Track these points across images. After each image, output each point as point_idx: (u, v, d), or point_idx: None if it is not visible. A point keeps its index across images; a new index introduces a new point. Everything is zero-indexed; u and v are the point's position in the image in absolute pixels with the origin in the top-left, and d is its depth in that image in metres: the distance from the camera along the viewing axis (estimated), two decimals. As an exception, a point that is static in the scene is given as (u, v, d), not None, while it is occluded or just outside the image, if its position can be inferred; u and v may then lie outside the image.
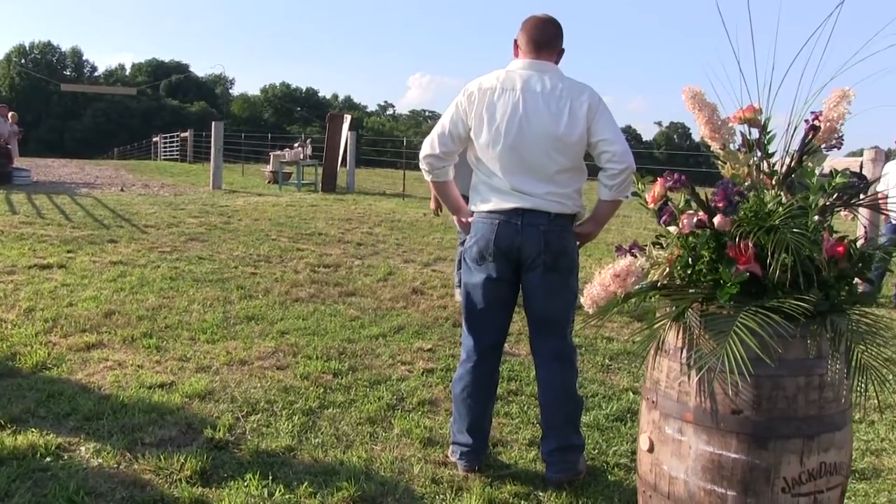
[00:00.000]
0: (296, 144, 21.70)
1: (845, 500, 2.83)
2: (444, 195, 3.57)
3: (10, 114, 19.32)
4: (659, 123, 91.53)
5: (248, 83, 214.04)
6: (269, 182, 20.49)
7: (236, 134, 31.37)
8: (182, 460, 3.33)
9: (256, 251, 8.85)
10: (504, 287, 3.36)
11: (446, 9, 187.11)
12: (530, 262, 3.26)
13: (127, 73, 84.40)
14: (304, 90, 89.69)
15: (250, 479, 3.22)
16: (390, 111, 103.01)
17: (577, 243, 3.41)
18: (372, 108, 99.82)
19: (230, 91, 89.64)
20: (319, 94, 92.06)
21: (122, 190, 16.37)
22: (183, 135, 34.79)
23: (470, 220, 3.45)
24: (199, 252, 8.58)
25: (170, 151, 37.05)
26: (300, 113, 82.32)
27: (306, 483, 3.23)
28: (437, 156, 3.38)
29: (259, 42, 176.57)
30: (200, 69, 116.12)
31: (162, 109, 70.13)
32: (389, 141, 41.10)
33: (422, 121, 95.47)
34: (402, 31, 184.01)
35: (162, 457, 3.37)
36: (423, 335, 5.73)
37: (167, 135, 39.05)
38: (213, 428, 3.72)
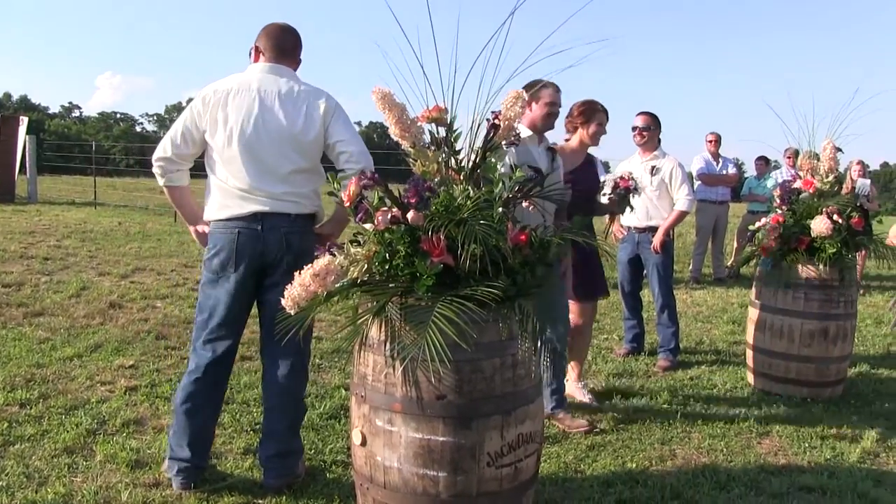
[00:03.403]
0: (-39, 151, 19.25)
1: (540, 464, 3.11)
2: (178, 202, 3.44)
3: None
4: (359, 123, 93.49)
5: None
6: (-72, 194, 18.00)
7: None
8: None
9: (-83, 274, 7.74)
10: (246, 297, 3.30)
11: (139, 4, 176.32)
12: (274, 265, 3.23)
13: None
14: (-33, 88, 79.83)
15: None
16: (77, 113, 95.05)
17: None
18: (55, 109, 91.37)
19: None
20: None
21: None
22: None
23: (206, 229, 3.34)
24: None
25: None
26: (-35, 115, 73.12)
27: (-10, 533, 2.88)
28: (169, 159, 3.29)
29: None
30: None
31: None
32: (77, 145, 37.87)
33: (113, 123, 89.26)
34: (89, 25, 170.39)
35: None
36: (123, 351, 5.37)
37: None
38: None
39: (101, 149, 20.88)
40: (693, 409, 4.61)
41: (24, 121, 18.09)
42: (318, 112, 3.25)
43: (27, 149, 17.52)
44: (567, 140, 4.74)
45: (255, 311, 3.41)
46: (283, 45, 3.36)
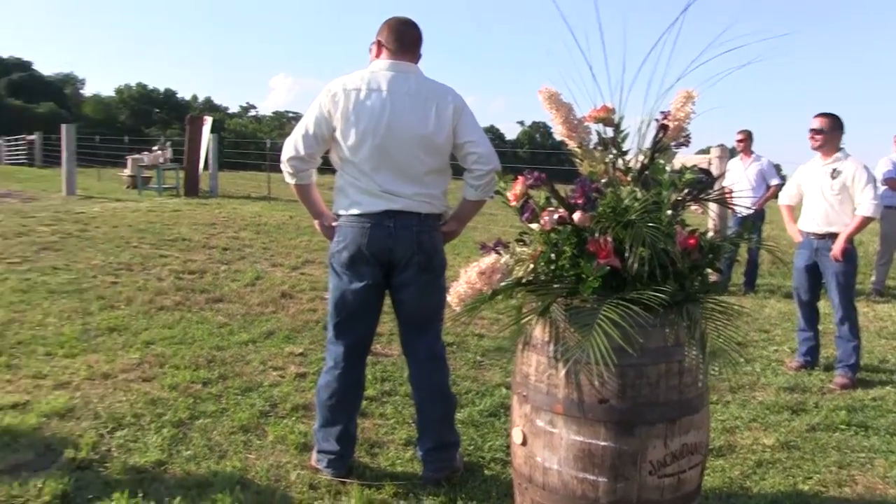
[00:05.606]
0: (155, 147, 20.88)
1: (704, 477, 3.00)
2: (306, 199, 3.48)
3: None
4: (521, 123, 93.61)
5: (100, 83, 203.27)
6: (127, 187, 19.61)
7: (90, 136, 29.72)
8: (40, 485, 3.16)
9: (117, 259, 8.44)
10: (374, 291, 3.34)
11: (310, 9, 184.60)
12: (404, 263, 3.26)
13: (-43, 69, 78.59)
14: (162, 91, 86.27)
15: (118, 498, 3.09)
16: (253, 112, 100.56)
17: None
18: (234, 109, 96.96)
19: (81, 91, 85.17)
20: (178, 96, 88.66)
21: (-38, 198, 15.26)
22: (30, 138, 32.76)
23: (335, 224, 3.39)
24: (54, 262, 8.10)
25: (15, 155, 34.80)
26: (159, 115, 79.21)
27: (179, 497, 3.13)
28: (301, 157, 3.31)
29: (111, 40, 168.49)
30: (46, 68, 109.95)
31: (3, 110, 65.57)
32: (253, 143, 40.08)
33: (285, 122, 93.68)
34: (265, 31, 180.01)
35: (16, 484, 3.18)
36: (293, 339, 5.65)
37: (11, 137, 36.65)
38: (75, 447, 3.54)
39: (275, 146, 21.93)
40: (876, 434, 4.28)
41: (208, 120, 19.31)
42: (447, 112, 3.24)
43: (210, 146, 18.75)
44: None
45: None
46: (406, 41, 3.33)
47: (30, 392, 4.30)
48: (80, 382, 4.49)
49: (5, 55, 78.33)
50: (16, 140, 35.64)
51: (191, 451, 3.62)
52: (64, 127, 17.20)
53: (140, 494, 3.15)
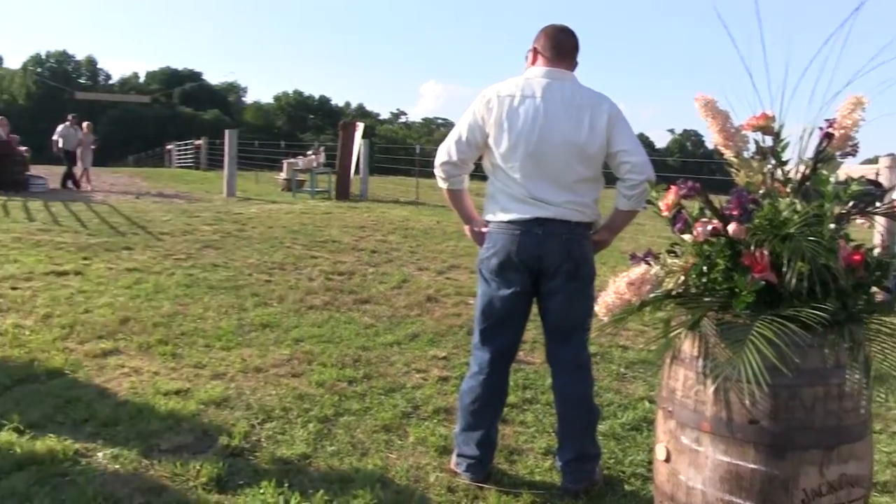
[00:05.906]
0: (309, 152, 21.80)
1: (865, 512, 2.81)
2: (457, 204, 3.52)
3: (84, 124, 20.15)
4: (672, 131, 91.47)
5: (260, 91, 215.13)
6: (282, 189, 20.58)
7: (250, 141, 31.38)
8: (198, 467, 3.35)
9: (271, 258, 8.87)
10: (522, 299, 3.33)
11: (460, 17, 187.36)
12: (552, 271, 3.24)
13: (141, 80, 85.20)
14: (316, 98, 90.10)
15: (266, 486, 3.23)
16: (403, 119, 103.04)
17: None
18: (384, 115, 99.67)
19: (243, 99, 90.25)
20: (332, 102, 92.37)
21: (137, 197, 16.47)
22: (197, 142, 35.02)
23: (484, 230, 3.42)
24: (214, 259, 8.62)
25: (184, 159, 37.29)
26: (313, 121, 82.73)
27: (322, 491, 3.23)
28: (453, 163, 3.36)
29: (271, 50, 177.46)
30: (213, 77, 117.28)
31: (175, 117, 70.40)
32: (402, 149, 41.02)
33: (434, 129, 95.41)
34: (416, 39, 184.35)
35: (178, 463, 3.39)
36: (437, 343, 5.72)
37: (181, 142, 39.29)
38: (228, 435, 3.74)
39: (424, 152, 22.39)
40: None
41: (359, 126, 19.95)
42: (601, 121, 3.18)
43: (361, 151, 19.35)
44: None
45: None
46: (563, 48, 3.30)
47: (191, 380, 4.59)
48: (234, 374, 4.74)
49: (179, 67, 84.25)
50: (185, 145, 38.20)
51: (335, 447, 3.74)
52: (227, 132, 18.26)
53: (286, 485, 3.28)
